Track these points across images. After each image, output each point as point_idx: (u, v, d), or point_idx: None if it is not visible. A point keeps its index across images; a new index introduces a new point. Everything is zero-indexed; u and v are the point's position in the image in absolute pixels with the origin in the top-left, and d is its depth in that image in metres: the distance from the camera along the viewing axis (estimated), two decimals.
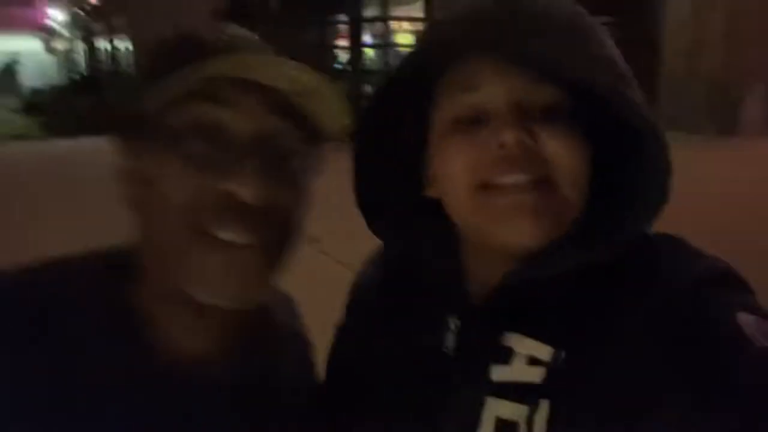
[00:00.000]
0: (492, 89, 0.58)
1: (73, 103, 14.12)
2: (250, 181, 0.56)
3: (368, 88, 10.55)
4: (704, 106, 10.69)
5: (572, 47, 0.54)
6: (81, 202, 5.98)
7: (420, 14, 10.15)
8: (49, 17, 24.60)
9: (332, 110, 0.61)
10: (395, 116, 0.67)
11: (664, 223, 0.61)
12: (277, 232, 0.61)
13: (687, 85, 10.88)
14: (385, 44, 10.20)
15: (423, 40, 0.65)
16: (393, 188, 0.71)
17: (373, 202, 0.71)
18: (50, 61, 24.56)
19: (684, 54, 11.24)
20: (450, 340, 0.65)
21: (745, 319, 0.47)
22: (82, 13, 19.27)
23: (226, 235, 0.57)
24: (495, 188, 0.58)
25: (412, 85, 0.64)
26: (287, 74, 0.57)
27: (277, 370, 0.73)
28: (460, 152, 0.60)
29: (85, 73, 18.89)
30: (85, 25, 19.72)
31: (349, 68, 10.79)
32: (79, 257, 0.67)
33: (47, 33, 24.86)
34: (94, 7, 18.44)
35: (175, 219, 0.57)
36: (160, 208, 0.58)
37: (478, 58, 0.58)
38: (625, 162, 0.60)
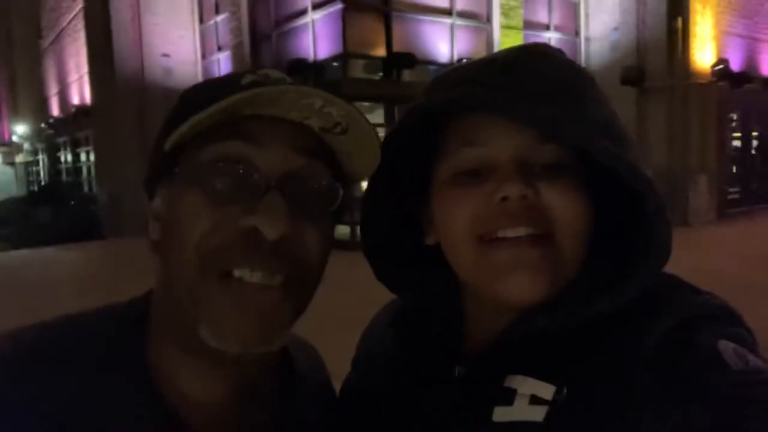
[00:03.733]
0: (497, 145, 0.59)
1: (33, 215, 13.96)
2: (273, 218, 0.54)
3: None
4: None
5: (570, 110, 0.56)
6: (35, 309, 5.76)
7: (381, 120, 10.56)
8: (11, 132, 24.75)
9: (362, 149, 0.60)
10: (399, 167, 0.67)
11: None
12: (298, 272, 0.57)
13: None
14: None
15: (427, 95, 0.65)
16: (398, 237, 0.72)
17: (379, 252, 0.72)
18: (10, 175, 24.43)
19: None
20: (455, 388, 0.64)
21: (724, 346, 0.50)
22: (46, 127, 19.49)
23: (245, 274, 0.54)
24: (495, 241, 0.58)
25: (415, 136, 0.65)
26: (317, 109, 0.56)
27: (303, 421, 0.69)
28: (461, 204, 0.60)
29: (44, 185, 18.82)
30: (48, 138, 19.89)
31: None
32: (95, 312, 0.64)
33: (8, 147, 24.92)
34: (58, 120, 18.70)
35: (193, 256, 0.55)
36: (180, 245, 0.56)
37: (482, 114, 0.60)
38: (627, 220, 0.60)
